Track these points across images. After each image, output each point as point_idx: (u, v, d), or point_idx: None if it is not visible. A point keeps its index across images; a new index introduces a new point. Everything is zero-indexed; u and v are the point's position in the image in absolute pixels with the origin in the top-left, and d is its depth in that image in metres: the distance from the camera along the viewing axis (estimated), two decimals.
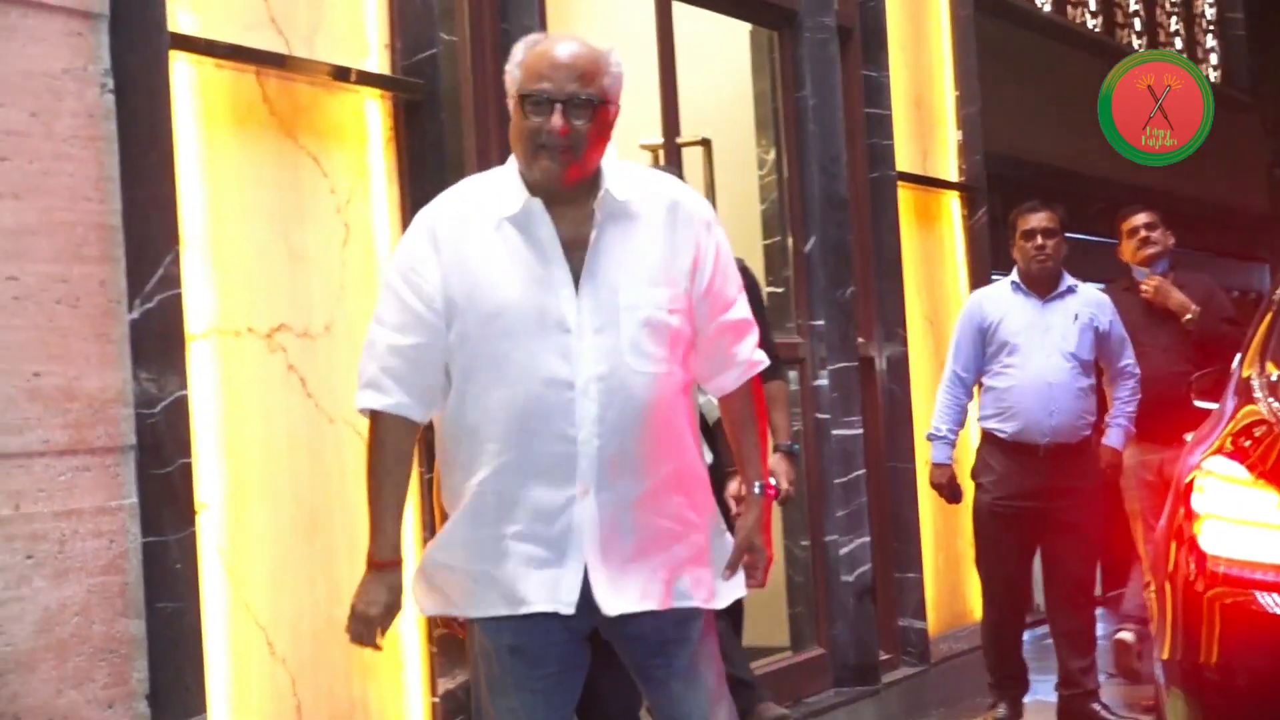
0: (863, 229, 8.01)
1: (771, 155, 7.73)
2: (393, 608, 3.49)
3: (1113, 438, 6.85)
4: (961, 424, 6.88)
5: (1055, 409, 6.57)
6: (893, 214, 8.16)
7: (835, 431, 7.51)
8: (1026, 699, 6.91)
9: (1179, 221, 7.70)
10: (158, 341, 4.24)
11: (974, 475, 6.82)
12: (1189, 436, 5.12)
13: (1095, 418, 6.77)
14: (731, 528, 3.72)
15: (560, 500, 3.41)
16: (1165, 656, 4.44)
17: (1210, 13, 15.18)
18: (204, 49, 4.61)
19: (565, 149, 3.39)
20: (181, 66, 4.55)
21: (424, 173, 5.15)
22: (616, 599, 3.45)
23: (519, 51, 3.48)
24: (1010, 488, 6.63)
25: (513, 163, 3.52)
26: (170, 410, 4.25)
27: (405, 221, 4.86)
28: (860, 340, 7.86)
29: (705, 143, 7.49)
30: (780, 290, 7.60)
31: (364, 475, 3.54)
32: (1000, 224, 7.80)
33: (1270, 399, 4.79)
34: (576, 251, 3.45)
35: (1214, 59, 15.15)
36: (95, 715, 3.99)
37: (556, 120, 3.38)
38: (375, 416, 3.49)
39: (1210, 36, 15.16)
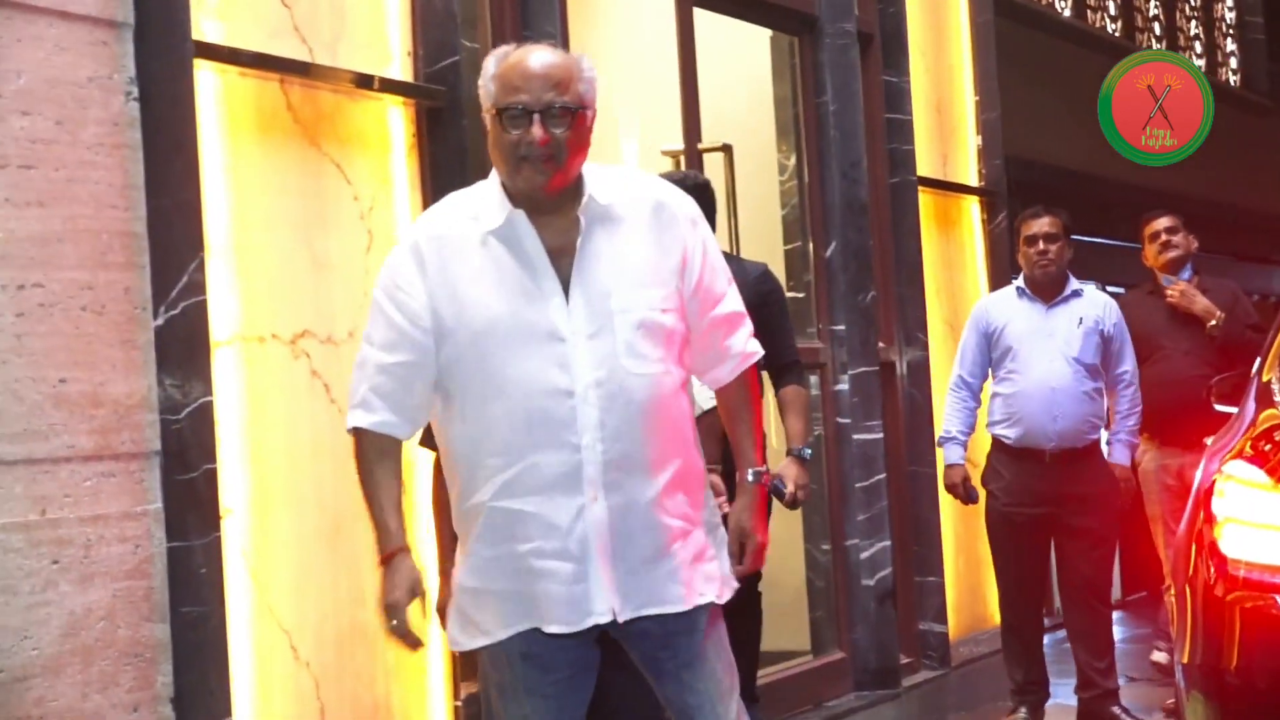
0: (883, 234, 8.03)
1: (792, 161, 7.74)
2: (414, 588, 3.48)
3: (1118, 455, 6.79)
4: (972, 426, 6.87)
5: (1059, 414, 6.55)
6: (913, 219, 8.17)
7: (856, 436, 7.53)
8: (1047, 704, 6.90)
9: (1199, 225, 7.67)
10: (182, 348, 4.27)
11: (984, 482, 6.81)
12: (1209, 440, 5.11)
13: (1103, 421, 6.74)
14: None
15: (572, 510, 3.40)
16: (1185, 660, 4.44)
17: (1230, 17, 15.13)
18: (228, 57, 4.64)
19: (548, 159, 3.38)
20: (206, 75, 4.57)
21: (446, 179, 5.16)
22: (634, 602, 3.45)
23: (491, 65, 3.45)
24: (1019, 493, 6.62)
25: (495, 175, 3.50)
26: (195, 416, 4.28)
27: None
28: (881, 345, 7.87)
29: (726, 148, 7.50)
30: (801, 295, 7.61)
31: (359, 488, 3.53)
32: None
33: None
34: (564, 259, 3.44)
35: (1234, 63, 15.10)
36: (120, 719, 4.01)
37: (536, 131, 3.37)
38: (360, 434, 3.49)
39: (1230, 40, 15.12)
